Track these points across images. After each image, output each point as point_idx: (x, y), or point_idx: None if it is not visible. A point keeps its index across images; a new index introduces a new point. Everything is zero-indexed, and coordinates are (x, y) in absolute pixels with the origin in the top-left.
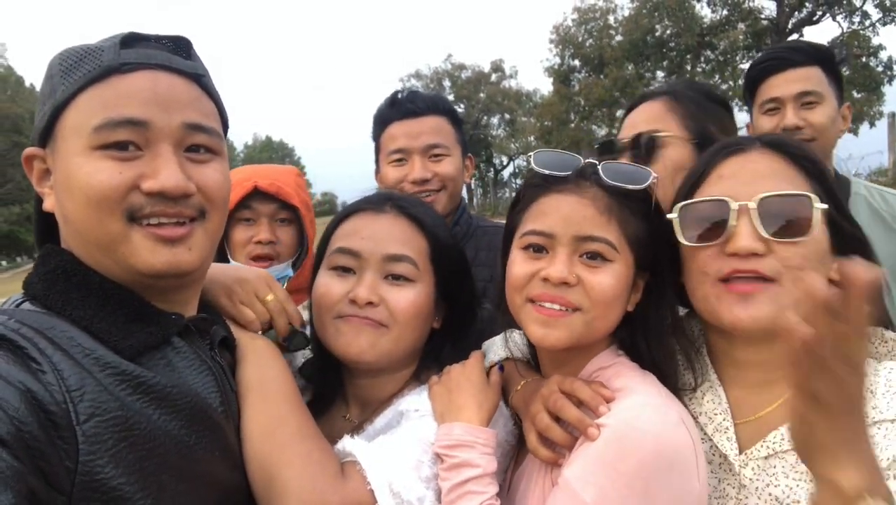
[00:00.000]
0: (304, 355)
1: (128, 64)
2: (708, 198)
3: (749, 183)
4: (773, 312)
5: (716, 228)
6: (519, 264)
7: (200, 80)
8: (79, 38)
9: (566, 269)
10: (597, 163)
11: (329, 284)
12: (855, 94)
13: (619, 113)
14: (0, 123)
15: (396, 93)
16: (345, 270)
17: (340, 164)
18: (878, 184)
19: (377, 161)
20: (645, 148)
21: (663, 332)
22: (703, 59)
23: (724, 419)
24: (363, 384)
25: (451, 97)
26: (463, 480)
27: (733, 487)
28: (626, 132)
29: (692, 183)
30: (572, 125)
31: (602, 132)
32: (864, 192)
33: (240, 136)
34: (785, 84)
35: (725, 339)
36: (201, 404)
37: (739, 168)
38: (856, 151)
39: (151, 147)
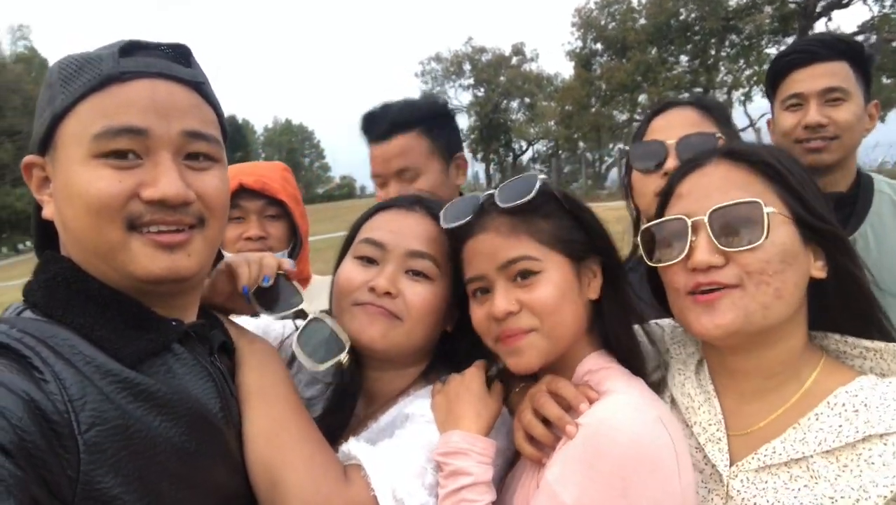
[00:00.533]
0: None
1: (127, 72)
2: (665, 218)
3: (703, 198)
4: (739, 317)
5: (678, 246)
6: (475, 312)
7: (200, 87)
8: (105, 18)
9: (504, 301)
10: (493, 192)
11: (351, 271)
12: (884, 79)
13: (642, 98)
14: (24, 105)
15: (369, 111)
16: (369, 261)
17: (360, 148)
18: None
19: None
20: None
21: (626, 309)
22: (727, 43)
23: (717, 430)
24: (371, 377)
25: (470, 81)
26: (457, 488)
27: (721, 499)
28: (661, 135)
29: (659, 206)
30: (593, 110)
31: (623, 117)
32: (888, 189)
33: (260, 119)
34: (810, 79)
35: (716, 349)
36: (202, 411)
37: (695, 184)
38: (883, 139)
39: (151, 155)
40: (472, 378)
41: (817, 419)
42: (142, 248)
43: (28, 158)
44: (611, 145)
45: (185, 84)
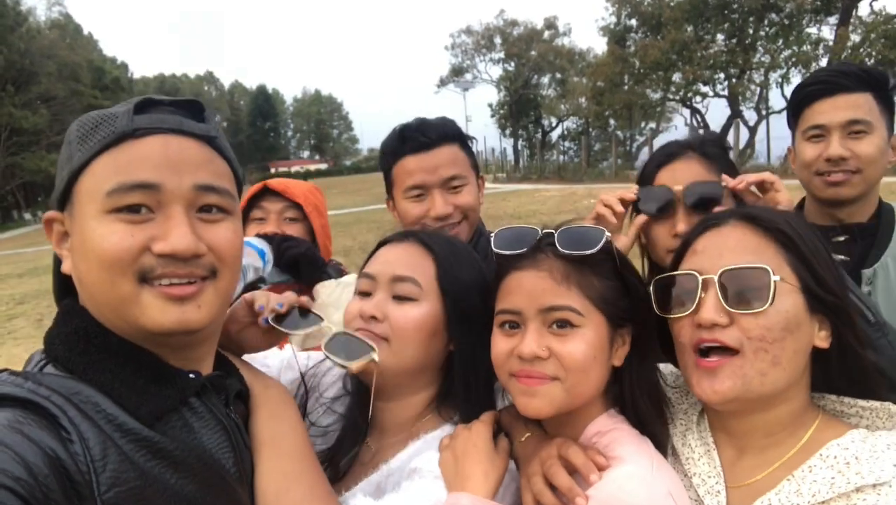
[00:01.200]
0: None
1: (140, 129)
2: (678, 272)
3: (717, 256)
4: (737, 385)
5: (688, 300)
6: (497, 343)
7: (213, 141)
8: None
9: (535, 344)
10: (553, 232)
11: (352, 306)
12: None
13: (676, 77)
14: (59, 71)
15: (404, 126)
16: (366, 294)
17: (388, 121)
18: None
19: (390, 192)
20: (704, 202)
21: (650, 382)
22: (766, 22)
23: (716, 482)
24: (379, 407)
25: (500, 55)
26: None
27: None
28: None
29: (676, 258)
30: (626, 87)
31: (656, 96)
32: None
33: (290, 88)
34: (832, 111)
35: (714, 409)
36: (216, 467)
37: (711, 242)
38: None
39: (163, 209)
40: (478, 435)
41: (811, 471)
42: (153, 301)
43: (48, 214)
44: (643, 124)
45: (197, 139)
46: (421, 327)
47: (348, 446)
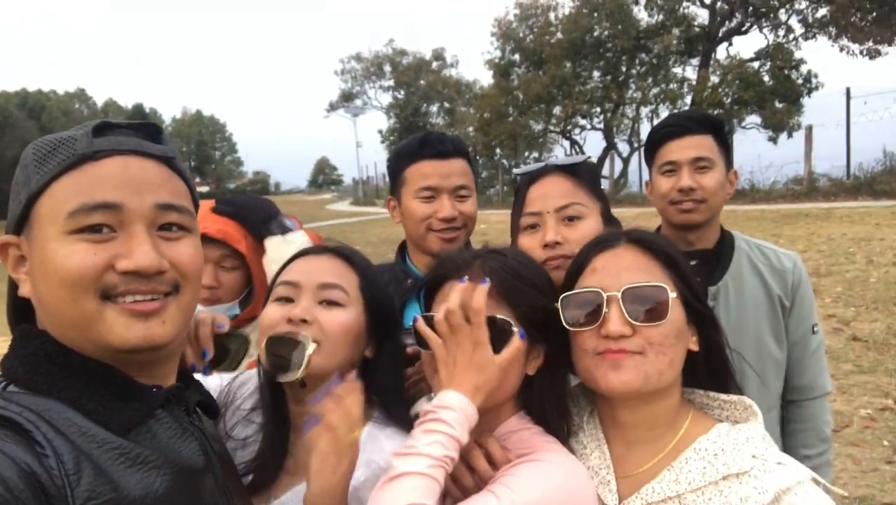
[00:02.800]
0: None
1: (101, 151)
2: (583, 289)
3: (616, 275)
4: (640, 378)
5: (592, 314)
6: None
7: (171, 162)
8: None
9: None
10: (495, 252)
11: (272, 312)
12: (777, 103)
13: (557, 110)
14: None
15: (426, 134)
16: (286, 300)
17: (275, 144)
18: (794, 192)
19: (396, 192)
20: (569, 219)
21: (559, 391)
22: (637, 61)
23: (607, 473)
24: (297, 411)
25: (390, 83)
26: (437, 419)
27: None
28: (539, 205)
29: (573, 275)
30: (510, 119)
31: (539, 127)
32: (745, 246)
33: (168, 109)
34: (680, 150)
35: (608, 402)
36: (190, 469)
37: (608, 262)
38: (776, 160)
39: (125, 228)
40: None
41: (686, 463)
42: (117, 318)
43: (4, 238)
44: (526, 154)
45: (156, 159)
46: (349, 331)
47: (271, 455)
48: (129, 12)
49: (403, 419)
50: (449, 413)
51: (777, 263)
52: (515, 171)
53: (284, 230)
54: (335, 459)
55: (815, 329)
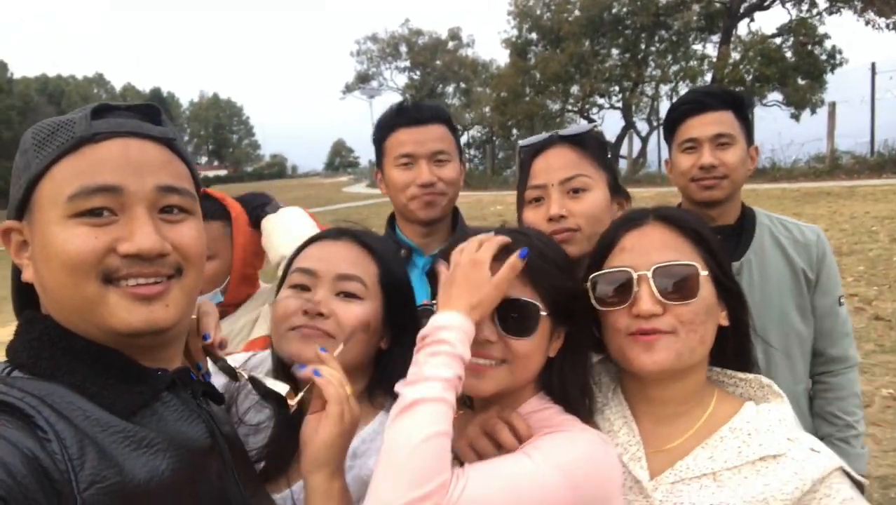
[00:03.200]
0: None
1: (100, 133)
2: (613, 269)
3: (645, 254)
4: (671, 356)
5: (623, 293)
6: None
7: (171, 143)
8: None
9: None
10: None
11: (287, 300)
12: (799, 80)
13: (575, 89)
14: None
15: (401, 102)
16: (303, 288)
17: (292, 127)
18: (815, 170)
19: (380, 164)
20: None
21: (581, 372)
22: (657, 38)
23: (637, 449)
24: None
25: (406, 63)
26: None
27: None
28: (543, 177)
29: (601, 254)
30: (527, 98)
31: (556, 107)
32: (767, 221)
33: (186, 92)
34: (701, 126)
35: (637, 380)
36: (197, 451)
37: (637, 241)
38: (797, 138)
39: (126, 211)
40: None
41: (722, 441)
42: (119, 301)
43: (6, 224)
44: (544, 133)
45: (156, 141)
46: (366, 326)
47: (285, 441)
48: None
49: None
50: (449, 333)
51: (800, 237)
52: (520, 142)
53: (277, 209)
54: (338, 409)
55: (842, 301)
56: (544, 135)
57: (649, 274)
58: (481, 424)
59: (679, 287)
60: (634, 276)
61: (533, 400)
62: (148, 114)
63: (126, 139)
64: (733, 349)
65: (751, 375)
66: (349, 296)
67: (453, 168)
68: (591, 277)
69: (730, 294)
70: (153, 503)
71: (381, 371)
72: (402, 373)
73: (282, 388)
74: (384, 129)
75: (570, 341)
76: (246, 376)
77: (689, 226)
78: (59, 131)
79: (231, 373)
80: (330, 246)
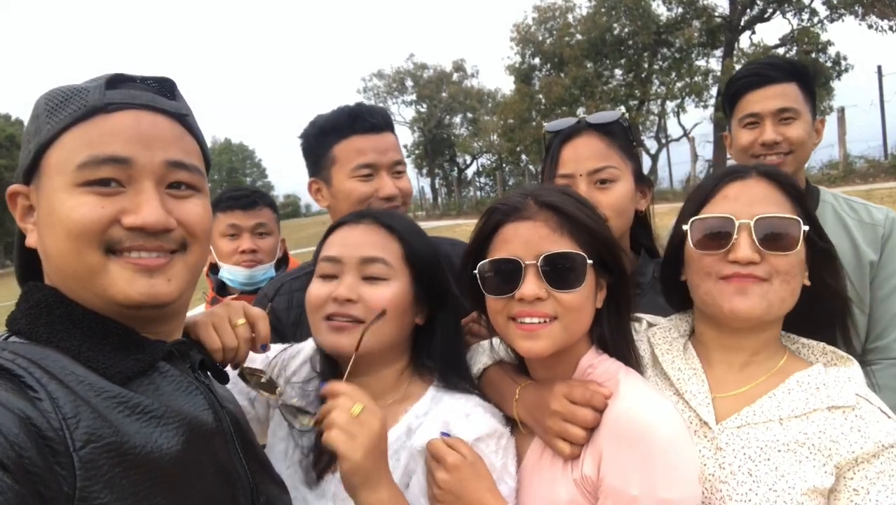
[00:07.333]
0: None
1: (112, 104)
2: (716, 215)
3: (748, 205)
4: (763, 305)
5: (720, 239)
6: (490, 303)
7: (183, 119)
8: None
9: (535, 286)
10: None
11: (317, 290)
12: None
13: (580, 111)
14: None
15: (351, 107)
16: (330, 277)
17: (303, 168)
18: (829, 176)
19: (321, 173)
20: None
21: (625, 324)
22: (659, 56)
23: (706, 396)
24: (362, 382)
25: (413, 97)
26: None
27: (710, 450)
28: (571, 166)
29: (701, 200)
30: (534, 123)
31: None
32: (832, 200)
33: None
34: (763, 100)
35: (715, 328)
36: (195, 421)
37: (740, 192)
38: None
39: (134, 183)
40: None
41: (789, 393)
42: (120, 272)
43: (13, 188)
44: (571, 118)
45: (168, 115)
46: (395, 307)
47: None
48: (156, 42)
49: (464, 379)
50: None
51: (867, 217)
52: (547, 125)
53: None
54: (337, 435)
55: None
56: (572, 120)
57: (752, 223)
58: (566, 395)
59: (779, 238)
60: (736, 223)
61: (590, 353)
62: (163, 87)
63: (139, 111)
64: (815, 308)
65: (813, 342)
66: (375, 279)
67: (408, 179)
68: (691, 220)
69: (822, 255)
70: (152, 468)
71: (421, 347)
72: (442, 348)
73: (305, 420)
74: (331, 134)
75: (612, 292)
76: (279, 402)
77: (790, 183)
78: (72, 98)
79: (270, 388)
80: (351, 230)
